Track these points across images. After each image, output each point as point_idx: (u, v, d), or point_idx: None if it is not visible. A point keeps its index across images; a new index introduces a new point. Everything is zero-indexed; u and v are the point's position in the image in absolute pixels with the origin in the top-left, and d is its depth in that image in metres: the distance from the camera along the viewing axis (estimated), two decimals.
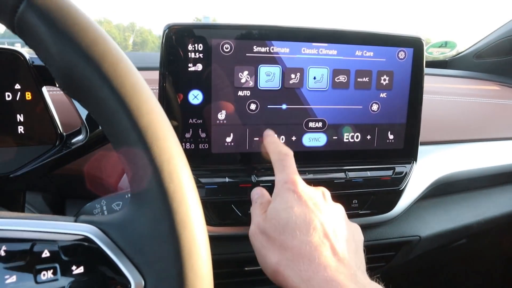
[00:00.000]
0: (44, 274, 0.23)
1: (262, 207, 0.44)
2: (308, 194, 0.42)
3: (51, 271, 0.23)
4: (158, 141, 0.24)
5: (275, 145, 0.49)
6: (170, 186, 0.23)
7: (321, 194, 0.45)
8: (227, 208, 0.53)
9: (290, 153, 0.47)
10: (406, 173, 0.60)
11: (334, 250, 0.37)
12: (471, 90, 0.95)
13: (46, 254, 0.24)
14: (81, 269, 0.24)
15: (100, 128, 0.42)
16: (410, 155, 0.61)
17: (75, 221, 0.26)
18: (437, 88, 0.87)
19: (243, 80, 0.52)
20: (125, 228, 0.25)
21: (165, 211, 0.23)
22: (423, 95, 0.60)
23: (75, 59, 0.23)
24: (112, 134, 0.24)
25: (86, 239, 0.25)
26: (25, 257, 0.23)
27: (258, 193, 0.48)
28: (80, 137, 0.42)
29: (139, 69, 0.71)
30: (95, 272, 0.24)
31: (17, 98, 0.41)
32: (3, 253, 0.23)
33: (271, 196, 0.45)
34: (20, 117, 0.41)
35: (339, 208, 0.45)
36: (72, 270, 0.24)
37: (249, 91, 0.52)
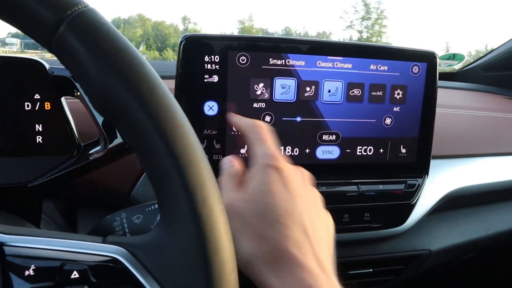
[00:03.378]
0: None
1: (234, 180, 0.38)
2: (291, 175, 0.37)
3: None
4: (192, 167, 0.24)
5: (244, 119, 0.44)
6: (203, 212, 0.23)
7: (301, 175, 0.39)
8: None
9: (264, 125, 0.41)
10: (418, 186, 0.60)
11: (314, 249, 0.33)
12: (480, 103, 0.95)
13: (75, 275, 0.24)
14: None
15: (118, 139, 0.42)
16: (422, 169, 0.61)
17: (103, 241, 0.26)
18: (446, 101, 0.87)
19: (258, 92, 0.52)
20: (155, 251, 0.25)
21: (196, 237, 0.23)
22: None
23: (112, 82, 0.23)
24: (146, 158, 0.24)
25: (115, 260, 0.25)
26: (54, 277, 0.23)
27: (229, 162, 0.41)
28: (98, 148, 0.42)
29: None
30: None
31: (36, 108, 0.41)
32: (32, 272, 0.23)
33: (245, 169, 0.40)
34: (38, 127, 0.41)
35: (316, 195, 0.40)
36: None
37: (264, 103, 0.52)
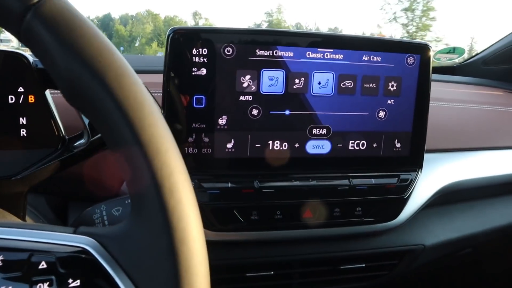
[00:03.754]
0: (40, 286, 0.23)
1: None
2: None
3: (47, 283, 0.23)
4: (159, 155, 0.23)
5: None
6: (170, 201, 0.23)
7: None
8: (229, 213, 0.53)
9: None
10: (411, 181, 0.60)
11: None
12: (478, 97, 0.94)
13: (43, 265, 0.23)
14: (77, 283, 0.24)
15: None
16: (415, 163, 0.60)
17: (74, 232, 0.25)
18: (443, 94, 0.86)
19: (245, 85, 0.51)
20: (124, 241, 0.24)
21: (164, 227, 0.23)
22: (430, 102, 0.59)
23: (79, 70, 0.23)
24: (114, 146, 0.24)
25: (84, 251, 0.24)
26: (22, 267, 0.23)
27: None
28: (82, 141, 0.42)
29: (143, 72, 0.70)
30: (92, 286, 0.24)
31: (20, 101, 0.40)
32: (0, 263, 0.23)
33: None
34: (22, 120, 0.41)
35: None
36: (69, 283, 0.23)
37: (251, 96, 0.52)
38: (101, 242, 0.25)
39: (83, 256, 0.24)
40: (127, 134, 0.23)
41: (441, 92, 0.89)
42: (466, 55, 1.16)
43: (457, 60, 1.17)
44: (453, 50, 1.16)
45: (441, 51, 1.16)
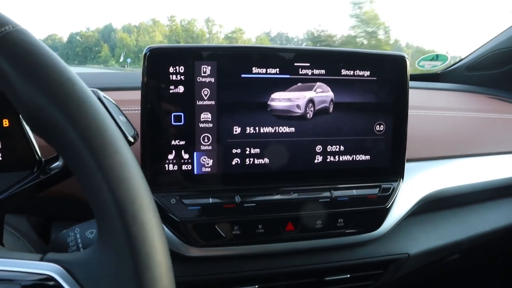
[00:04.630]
0: None
1: None
2: None
3: None
4: (121, 183, 0.24)
5: None
6: (133, 228, 0.23)
7: None
8: (211, 229, 0.53)
9: None
10: (392, 191, 0.60)
11: None
12: (461, 104, 0.95)
13: None
14: None
15: None
16: (397, 173, 0.61)
17: (41, 259, 0.25)
18: (426, 102, 0.87)
19: (228, 104, 0.52)
20: (90, 267, 0.25)
21: (128, 253, 0.23)
22: (410, 111, 0.60)
23: (41, 101, 0.24)
24: (79, 174, 0.24)
25: (50, 278, 0.24)
26: None
27: None
28: (58, 163, 0.42)
29: (128, 89, 0.71)
30: None
31: None
32: None
33: None
34: None
35: None
36: None
37: (231, 114, 0.52)
38: (67, 268, 0.25)
39: (50, 283, 0.25)
40: (90, 162, 0.24)
41: (424, 100, 0.90)
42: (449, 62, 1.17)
43: (440, 66, 1.19)
44: (436, 57, 1.17)
45: (424, 58, 1.18)
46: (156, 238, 0.25)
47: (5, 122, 0.41)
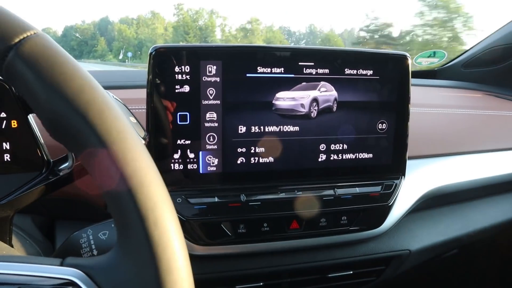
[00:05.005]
0: None
1: None
2: None
3: None
4: (143, 188, 0.24)
5: None
6: (155, 233, 0.24)
7: None
8: (216, 227, 0.54)
9: None
10: (394, 188, 0.61)
11: None
12: (458, 101, 0.96)
13: None
14: None
15: None
16: (398, 170, 0.62)
17: (61, 264, 0.26)
18: (424, 99, 0.88)
19: (233, 103, 0.52)
20: (111, 272, 0.25)
21: (150, 258, 0.23)
22: (411, 108, 0.60)
23: (61, 108, 0.24)
24: (99, 180, 0.25)
25: (72, 283, 0.25)
26: None
27: None
28: (67, 164, 0.42)
29: (131, 87, 0.70)
30: None
31: (3, 127, 0.41)
32: None
33: None
34: (6, 145, 0.41)
35: None
36: None
37: (236, 113, 0.52)
38: (88, 273, 0.25)
39: None
40: (111, 169, 0.24)
41: (422, 97, 0.91)
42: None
43: (437, 63, 1.20)
44: (433, 54, 1.18)
45: (421, 55, 1.19)
46: (177, 242, 0.25)
47: (14, 123, 0.41)
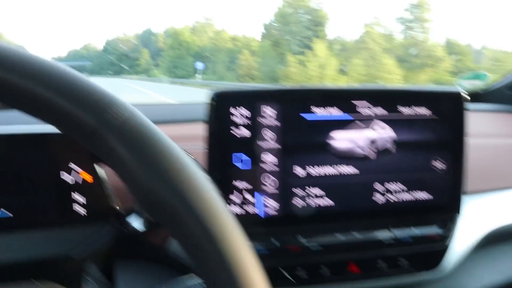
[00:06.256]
0: None
1: None
2: None
3: None
4: (230, 252, 0.24)
5: None
6: None
7: None
8: (276, 271, 0.53)
9: None
10: (452, 228, 0.59)
11: None
12: (507, 128, 0.93)
13: None
14: None
15: None
16: (455, 209, 0.60)
17: None
18: (471, 127, 0.85)
19: (290, 145, 0.52)
20: None
21: None
22: None
23: (158, 187, 0.24)
24: (195, 258, 0.25)
25: None
26: None
27: None
28: (138, 224, 0.43)
29: (184, 121, 0.71)
30: None
31: (72, 177, 0.42)
32: None
33: None
34: (75, 196, 0.42)
35: None
36: None
37: (294, 155, 0.52)
38: None
39: None
40: (206, 247, 0.24)
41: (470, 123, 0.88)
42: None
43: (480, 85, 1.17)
44: (476, 76, 1.15)
45: (464, 78, 1.16)
46: None
47: (83, 174, 0.42)
